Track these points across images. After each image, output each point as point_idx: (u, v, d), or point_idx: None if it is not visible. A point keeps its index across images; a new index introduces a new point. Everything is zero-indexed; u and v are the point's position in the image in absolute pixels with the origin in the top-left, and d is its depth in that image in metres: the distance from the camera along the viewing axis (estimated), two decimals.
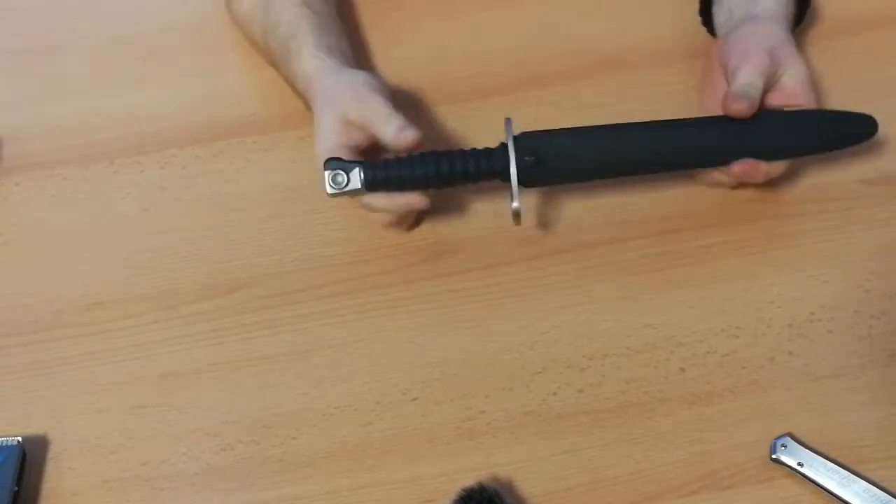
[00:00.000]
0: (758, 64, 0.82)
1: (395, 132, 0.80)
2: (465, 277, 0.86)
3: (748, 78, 0.82)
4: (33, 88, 1.04)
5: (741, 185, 0.86)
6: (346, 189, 0.80)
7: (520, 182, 0.81)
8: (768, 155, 0.82)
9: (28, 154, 0.98)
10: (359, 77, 0.86)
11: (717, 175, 0.85)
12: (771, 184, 0.88)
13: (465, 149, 0.82)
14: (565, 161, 0.82)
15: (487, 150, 0.82)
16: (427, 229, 0.89)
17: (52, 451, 0.80)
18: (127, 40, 1.06)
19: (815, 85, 0.85)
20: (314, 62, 0.88)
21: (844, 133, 0.85)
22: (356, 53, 0.94)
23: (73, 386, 0.83)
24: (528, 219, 0.88)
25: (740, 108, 0.81)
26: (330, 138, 0.82)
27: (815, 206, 0.88)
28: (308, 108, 0.88)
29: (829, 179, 0.89)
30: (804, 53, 0.91)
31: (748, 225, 0.87)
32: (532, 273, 0.86)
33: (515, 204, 0.80)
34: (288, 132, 0.96)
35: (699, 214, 0.87)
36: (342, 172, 0.79)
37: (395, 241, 0.89)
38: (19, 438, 0.78)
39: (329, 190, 0.80)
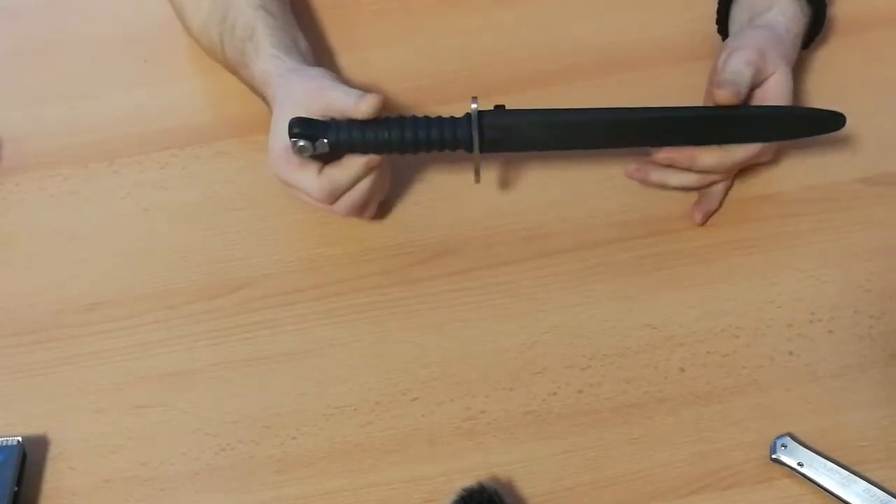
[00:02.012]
0: (748, 56, 0.82)
1: (355, 100, 0.80)
2: (465, 277, 0.86)
3: (737, 67, 0.81)
4: (33, 88, 1.04)
5: (684, 188, 0.86)
6: (315, 153, 0.80)
7: (481, 149, 0.82)
8: (723, 140, 0.82)
9: (28, 154, 0.98)
10: (315, 72, 0.86)
11: (655, 175, 0.84)
12: (771, 184, 0.88)
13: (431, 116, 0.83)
14: (523, 137, 0.84)
15: (452, 118, 0.82)
16: (427, 229, 0.89)
17: (52, 451, 0.80)
18: (127, 40, 1.06)
19: (794, 95, 0.84)
20: (273, 61, 0.88)
21: (810, 125, 0.84)
22: (317, 53, 0.94)
23: (73, 386, 0.83)
24: (528, 219, 0.89)
25: (725, 95, 0.80)
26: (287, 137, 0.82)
27: (815, 206, 0.88)
28: (269, 107, 0.88)
29: (828, 179, 0.89)
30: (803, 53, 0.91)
31: (748, 225, 0.87)
32: (532, 273, 0.86)
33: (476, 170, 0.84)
34: None
35: None
36: (308, 141, 0.79)
37: (395, 241, 0.89)
38: (19, 438, 0.78)
39: (295, 154, 0.80)
